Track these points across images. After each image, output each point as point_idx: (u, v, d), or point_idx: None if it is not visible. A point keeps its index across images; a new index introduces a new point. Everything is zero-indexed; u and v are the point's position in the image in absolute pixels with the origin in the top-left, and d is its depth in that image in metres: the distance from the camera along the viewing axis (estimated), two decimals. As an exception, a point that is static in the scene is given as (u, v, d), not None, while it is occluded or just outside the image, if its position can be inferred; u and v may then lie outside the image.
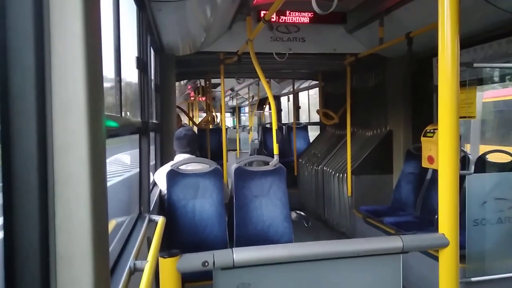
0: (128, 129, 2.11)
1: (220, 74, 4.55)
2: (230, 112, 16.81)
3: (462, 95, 2.90)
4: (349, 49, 4.46)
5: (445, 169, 1.37)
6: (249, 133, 10.31)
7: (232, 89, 10.01)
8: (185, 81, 8.33)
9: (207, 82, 6.37)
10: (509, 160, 3.35)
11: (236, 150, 8.64)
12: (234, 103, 11.48)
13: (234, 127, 11.23)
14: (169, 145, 3.73)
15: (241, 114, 16.14)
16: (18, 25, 0.74)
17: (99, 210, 0.86)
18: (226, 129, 10.31)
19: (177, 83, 8.12)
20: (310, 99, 9.07)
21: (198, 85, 8.40)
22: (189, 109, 11.15)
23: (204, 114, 11.70)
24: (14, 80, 0.74)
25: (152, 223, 2.22)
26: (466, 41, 3.48)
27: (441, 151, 1.38)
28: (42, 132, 0.76)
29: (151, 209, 2.46)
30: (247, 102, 10.75)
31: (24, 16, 0.74)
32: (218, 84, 8.30)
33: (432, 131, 3.14)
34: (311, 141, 7.74)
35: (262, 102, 9.85)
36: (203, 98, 8.74)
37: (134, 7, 2.44)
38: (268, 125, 8.59)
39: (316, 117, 7.44)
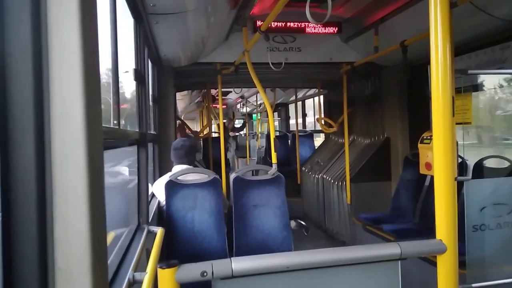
0: (126, 141, 2.12)
1: (217, 85, 4.59)
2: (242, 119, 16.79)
3: (457, 102, 2.91)
4: (345, 58, 4.50)
5: (440, 175, 1.38)
6: (257, 140, 10.30)
7: (242, 97, 9.97)
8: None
9: (209, 91, 6.38)
10: (507, 165, 3.36)
11: (245, 157, 8.59)
12: (245, 110, 11.44)
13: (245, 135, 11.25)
14: (167, 156, 3.73)
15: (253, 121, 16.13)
16: (16, 37, 0.75)
17: (97, 222, 0.87)
18: (237, 136, 10.25)
19: (185, 91, 8.13)
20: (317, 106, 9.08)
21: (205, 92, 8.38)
22: (201, 116, 11.12)
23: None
24: (12, 93, 0.75)
25: (151, 235, 2.21)
26: (461, 48, 3.51)
27: (436, 157, 1.39)
28: (40, 145, 0.77)
29: (149, 220, 2.45)
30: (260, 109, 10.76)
31: (22, 29, 0.75)
32: (229, 92, 8.31)
33: (428, 137, 3.15)
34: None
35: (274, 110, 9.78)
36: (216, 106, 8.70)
37: (131, 20, 2.47)
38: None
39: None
